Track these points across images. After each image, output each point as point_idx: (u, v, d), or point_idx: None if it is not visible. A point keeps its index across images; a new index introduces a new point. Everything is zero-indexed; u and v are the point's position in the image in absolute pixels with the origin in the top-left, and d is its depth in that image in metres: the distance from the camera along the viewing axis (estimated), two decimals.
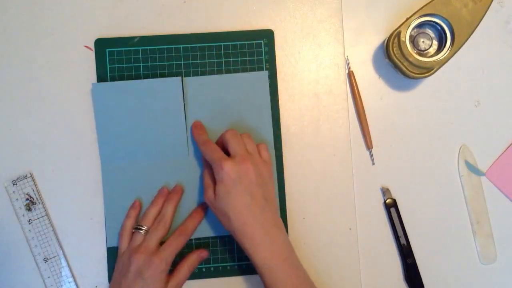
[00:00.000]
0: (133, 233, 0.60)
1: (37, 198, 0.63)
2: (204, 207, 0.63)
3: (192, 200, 0.63)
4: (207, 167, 0.59)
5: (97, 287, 0.63)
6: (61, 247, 0.63)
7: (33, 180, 0.63)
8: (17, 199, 0.63)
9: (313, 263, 0.63)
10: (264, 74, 0.64)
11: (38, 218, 0.63)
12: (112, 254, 0.62)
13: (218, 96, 0.63)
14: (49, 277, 0.62)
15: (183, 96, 0.63)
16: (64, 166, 0.63)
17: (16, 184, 0.63)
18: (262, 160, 0.59)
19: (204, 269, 0.63)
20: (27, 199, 0.63)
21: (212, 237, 0.63)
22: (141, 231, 0.59)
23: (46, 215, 0.63)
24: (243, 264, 0.63)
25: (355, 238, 0.64)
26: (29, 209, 0.63)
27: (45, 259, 0.62)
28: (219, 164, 0.55)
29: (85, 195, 0.63)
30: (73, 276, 0.63)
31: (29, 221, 0.62)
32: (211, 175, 0.58)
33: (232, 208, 0.55)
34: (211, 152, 0.57)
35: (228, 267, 0.63)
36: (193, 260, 0.61)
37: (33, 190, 0.63)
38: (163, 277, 0.57)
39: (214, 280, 0.63)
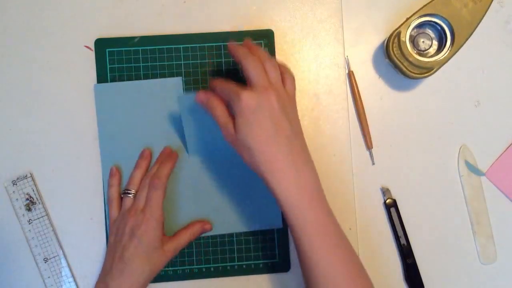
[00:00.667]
0: (122, 198, 0.60)
1: (37, 198, 0.63)
2: (175, 152, 0.61)
3: (192, 199, 0.63)
4: (218, 105, 0.53)
5: None
6: (61, 247, 0.63)
7: (33, 180, 0.63)
8: (17, 199, 0.63)
9: None
10: (178, 80, 0.63)
11: (38, 218, 0.63)
12: None
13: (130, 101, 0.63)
14: (49, 277, 0.62)
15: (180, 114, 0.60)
16: (64, 166, 0.63)
17: (16, 184, 0.63)
18: (286, 93, 0.52)
19: (204, 269, 0.63)
20: (27, 199, 0.63)
21: (212, 237, 0.63)
22: (130, 195, 0.59)
23: (46, 215, 0.63)
24: (243, 264, 0.63)
25: (355, 238, 0.64)
26: (29, 209, 0.63)
27: (45, 259, 0.62)
28: (237, 95, 0.49)
29: (85, 195, 0.63)
30: (73, 276, 0.63)
31: (29, 221, 0.62)
32: (226, 112, 0.52)
33: (255, 139, 0.49)
34: (228, 87, 0.52)
35: (228, 267, 0.63)
36: (196, 229, 0.60)
37: (33, 190, 0.63)
38: (157, 234, 0.57)
39: (214, 280, 0.63)
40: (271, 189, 0.50)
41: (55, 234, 0.63)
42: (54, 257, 0.62)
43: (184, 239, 0.60)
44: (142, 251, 0.56)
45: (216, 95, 0.53)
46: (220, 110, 0.53)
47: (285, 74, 0.54)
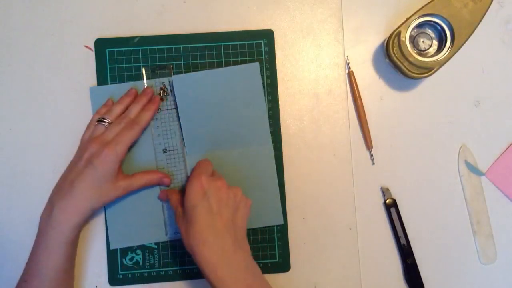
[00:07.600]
0: (96, 125, 0.60)
1: None
2: (157, 96, 0.62)
3: None
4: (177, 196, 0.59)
5: (97, 287, 0.63)
6: None
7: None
8: None
9: (313, 263, 0.63)
10: (255, 65, 0.63)
11: None
12: (113, 255, 0.63)
13: (208, 91, 0.63)
14: None
15: (174, 96, 0.62)
16: (64, 167, 0.63)
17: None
18: (245, 200, 0.57)
19: None
20: None
21: None
22: (104, 123, 0.59)
23: None
24: None
25: (355, 238, 0.64)
26: None
27: None
28: (198, 178, 0.55)
29: None
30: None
31: None
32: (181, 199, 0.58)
33: (195, 222, 0.53)
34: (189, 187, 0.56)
35: None
36: (154, 177, 0.61)
37: None
38: (114, 168, 0.57)
39: None
40: (203, 272, 0.52)
41: None
42: None
43: (139, 181, 0.60)
44: (94, 179, 0.56)
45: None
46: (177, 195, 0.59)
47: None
